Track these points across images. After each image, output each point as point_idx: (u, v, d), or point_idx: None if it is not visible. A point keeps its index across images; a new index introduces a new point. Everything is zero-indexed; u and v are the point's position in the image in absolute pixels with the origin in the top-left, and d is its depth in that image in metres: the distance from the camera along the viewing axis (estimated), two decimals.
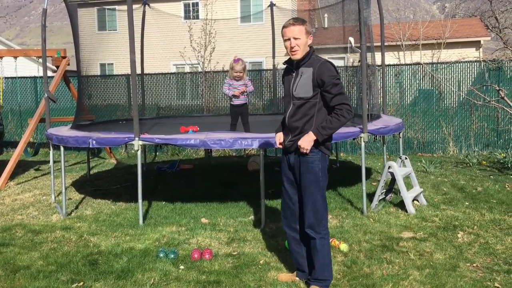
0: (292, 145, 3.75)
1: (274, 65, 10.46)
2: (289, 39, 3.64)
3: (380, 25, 7.96)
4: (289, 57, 3.76)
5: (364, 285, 3.89)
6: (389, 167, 6.12)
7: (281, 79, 4.02)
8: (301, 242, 3.89)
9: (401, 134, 7.41)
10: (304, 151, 3.62)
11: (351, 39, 6.74)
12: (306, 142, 3.60)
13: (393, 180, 6.30)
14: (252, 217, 5.83)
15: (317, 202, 3.69)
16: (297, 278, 3.96)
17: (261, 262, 4.40)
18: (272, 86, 11.07)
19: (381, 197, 6.24)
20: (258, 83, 11.74)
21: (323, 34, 24.01)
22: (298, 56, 3.66)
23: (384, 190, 6.34)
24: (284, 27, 3.68)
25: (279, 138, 3.88)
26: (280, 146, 3.89)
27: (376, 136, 6.72)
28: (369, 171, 8.51)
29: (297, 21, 3.66)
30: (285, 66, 3.87)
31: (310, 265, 3.88)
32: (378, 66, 8.34)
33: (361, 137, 5.93)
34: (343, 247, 4.68)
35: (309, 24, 3.75)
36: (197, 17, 21.54)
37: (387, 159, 8.02)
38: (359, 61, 6.87)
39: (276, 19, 10.39)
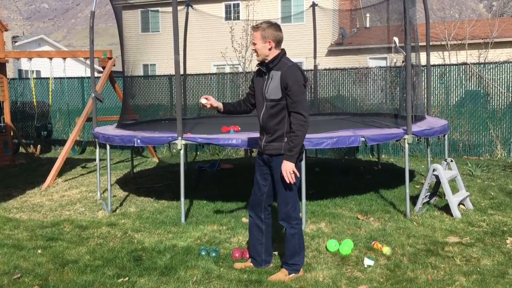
0: (266, 148, 3.98)
1: (315, 66, 10.40)
2: (252, 44, 3.98)
3: (426, 24, 7.78)
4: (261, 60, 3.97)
5: None
6: (434, 170, 5.97)
7: (252, 80, 4.20)
8: (263, 230, 4.20)
9: (446, 136, 7.22)
10: (293, 177, 3.83)
11: (396, 38, 6.62)
12: (288, 172, 3.81)
13: (438, 183, 6.15)
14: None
15: (287, 196, 3.97)
16: (251, 264, 4.29)
17: None
18: (312, 87, 11.02)
19: (425, 200, 6.10)
20: None
21: (365, 34, 23.70)
22: (259, 58, 3.94)
23: (429, 193, 6.20)
24: None
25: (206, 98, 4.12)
26: (203, 101, 4.11)
27: (419, 138, 6.57)
28: (411, 173, 8.33)
29: (256, 27, 3.93)
30: (257, 68, 4.07)
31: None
32: (423, 66, 8.16)
33: (405, 139, 5.82)
34: (386, 250, 4.60)
35: (269, 30, 3.88)
36: (238, 18, 21.65)
37: (431, 162, 7.84)
38: (403, 61, 6.74)
39: (317, 19, 10.32)
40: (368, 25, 25.03)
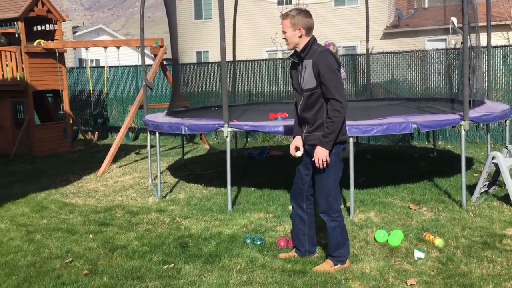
0: (308, 138, 3.90)
1: (367, 49, 10.07)
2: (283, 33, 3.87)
3: (486, 3, 7.30)
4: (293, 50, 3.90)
5: (460, 285, 3.62)
6: (493, 158, 5.64)
7: (290, 76, 4.11)
8: (305, 220, 4.14)
9: (507, 121, 6.79)
10: (325, 165, 3.75)
11: (454, 19, 6.24)
12: (321, 159, 3.72)
13: (497, 172, 5.79)
14: (341, 206, 5.68)
15: (329, 187, 3.88)
16: (295, 254, 4.25)
17: None
18: (365, 71, 10.69)
19: (483, 190, 5.77)
20: (351, 68, 11.41)
21: (422, 15, 22.75)
22: (290, 46, 3.86)
23: (487, 182, 5.86)
24: None
25: (295, 144, 4.02)
26: (295, 154, 4.02)
27: (478, 124, 6.22)
28: (470, 161, 7.93)
29: (284, 15, 3.83)
30: (291, 61, 3.98)
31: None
32: (483, 47, 7.69)
33: (461, 125, 5.51)
34: (438, 242, 4.39)
35: (298, 17, 3.76)
36: (290, 2, 21.34)
37: (491, 149, 7.41)
38: (461, 43, 6.37)
39: (372, 1, 9.96)
40: (426, 6, 23.99)
